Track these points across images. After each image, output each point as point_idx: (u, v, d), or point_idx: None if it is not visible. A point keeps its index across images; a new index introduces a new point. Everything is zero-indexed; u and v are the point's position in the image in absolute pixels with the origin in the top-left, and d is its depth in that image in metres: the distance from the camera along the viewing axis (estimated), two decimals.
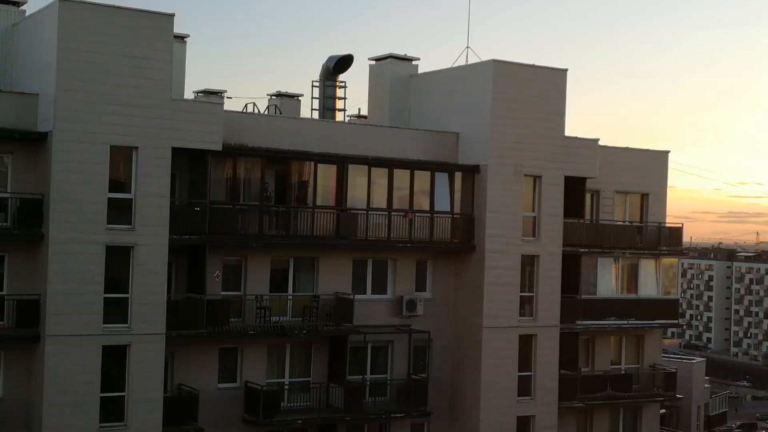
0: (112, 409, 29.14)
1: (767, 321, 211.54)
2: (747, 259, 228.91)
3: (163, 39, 29.88)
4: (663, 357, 46.53)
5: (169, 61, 30.04)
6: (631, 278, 41.56)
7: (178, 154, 30.11)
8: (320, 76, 39.41)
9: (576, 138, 37.95)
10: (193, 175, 31.25)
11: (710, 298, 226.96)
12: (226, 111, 32.53)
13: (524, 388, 36.72)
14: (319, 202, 33.91)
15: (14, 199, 28.70)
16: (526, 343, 36.67)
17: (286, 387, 33.87)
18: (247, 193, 32.81)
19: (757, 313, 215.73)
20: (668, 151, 43.14)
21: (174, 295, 30.85)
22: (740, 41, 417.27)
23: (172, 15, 30.05)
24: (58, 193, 28.14)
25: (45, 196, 28.36)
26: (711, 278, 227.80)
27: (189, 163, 31.05)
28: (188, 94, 36.37)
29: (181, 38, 35.23)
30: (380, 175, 35.04)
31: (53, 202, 28.12)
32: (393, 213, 35.08)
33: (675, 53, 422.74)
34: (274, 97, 41.21)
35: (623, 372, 41.72)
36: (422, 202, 35.95)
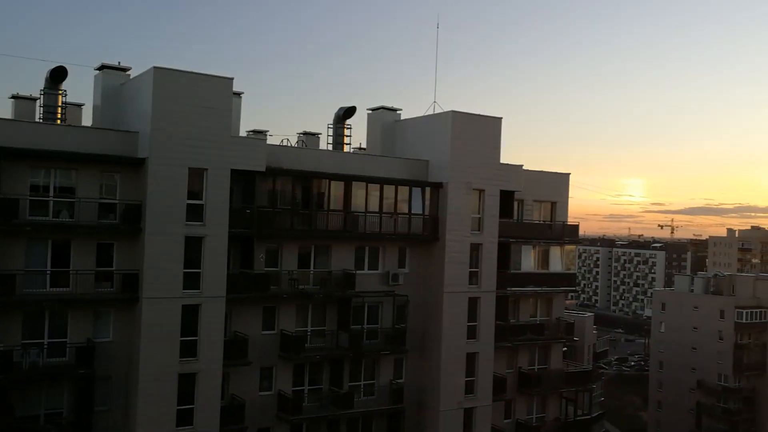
0: (189, 349, 28.43)
1: (635, 288, 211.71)
2: (622, 246, 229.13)
3: (225, 94, 29.22)
4: (565, 312, 46.10)
5: (229, 110, 29.37)
6: (544, 259, 41.14)
7: (235, 173, 29.46)
8: (333, 121, 38.79)
9: (508, 164, 37.49)
10: (245, 188, 30.55)
11: (597, 273, 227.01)
12: (268, 144, 31.90)
13: (471, 333, 36.12)
14: (332, 207, 33.25)
15: (121, 204, 27.97)
16: (473, 303, 36.09)
17: (309, 333, 33.15)
18: (282, 200, 32.08)
19: (628, 283, 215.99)
20: (569, 174, 42.99)
21: (231, 269, 30.06)
22: (620, 98, 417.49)
23: (232, 78, 29.37)
24: (152, 200, 27.46)
25: (142, 202, 27.65)
26: (597, 259, 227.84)
27: (243, 180, 30.32)
28: (242, 132, 35.59)
29: (238, 95, 34.44)
30: (374, 189, 34.43)
31: (148, 206, 27.43)
32: (383, 215, 34.47)
33: (584, 102, 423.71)
34: (302, 135, 40.60)
35: (538, 322, 41.23)
36: (403, 207, 35.29)
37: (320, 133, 40.73)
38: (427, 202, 35.58)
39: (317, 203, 33.13)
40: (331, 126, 38.80)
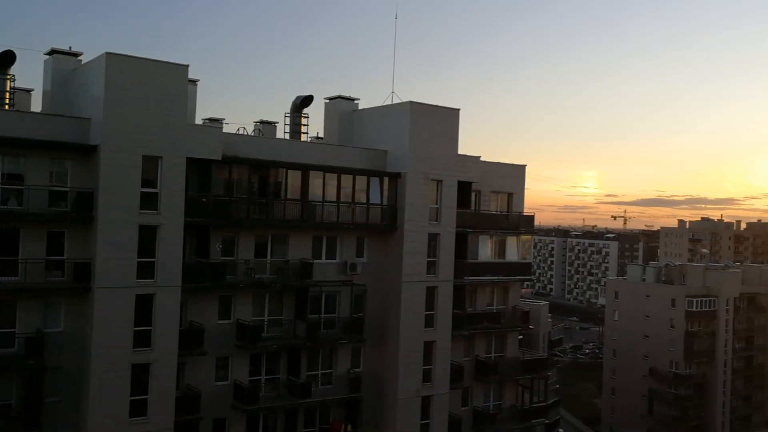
0: (143, 339, 27.99)
1: (589, 277, 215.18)
2: (576, 236, 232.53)
3: (180, 81, 28.74)
4: (521, 301, 46.57)
5: (184, 97, 28.90)
6: (501, 249, 41.42)
7: (191, 162, 29.06)
8: (290, 110, 38.50)
9: (466, 155, 37.66)
10: (201, 176, 30.14)
11: (552, 262, 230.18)
12: (224, 132, 31.53)
13: (429, 322, 36.28)
14: (289, 196, 33.01)
15: (72, 191, 27.34)
16: (430, 292, 36.24)
17: (266, 322, 32.91)
18: (239, 189, 31.75)
19: (582, 272, 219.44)
20: (525, 165, 43.29)
21: (187, 259, 29.66)
22: (576, 92, 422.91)
23: (187, 66, 28.90)
24: (104, 188, 26.91)
25: (95, 190, 27.07)
26: (553, 249, 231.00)
27: (198, 168, 29.91)
28: (198, 120, 35.08)
29: (193, 82, 33.93)
30: (332, 179, 34.29)
31: (101, 194, 26.88)
32: (341, 204, 34.35)
33: (541, 95, 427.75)
34: (258, 123, 40.17)
35: (495, 311, 41.59)
36: (361, 197, 35.22)
37: (277, 122, 40.45)
38: (385, 192, 35.56)
39: (274, 192, 32.85)
40: (288, 115, 38.51)
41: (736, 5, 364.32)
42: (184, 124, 28.87)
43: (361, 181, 35.19)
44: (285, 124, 38.45)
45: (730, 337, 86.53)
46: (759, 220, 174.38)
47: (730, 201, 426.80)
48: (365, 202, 35.18)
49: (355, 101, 39.38)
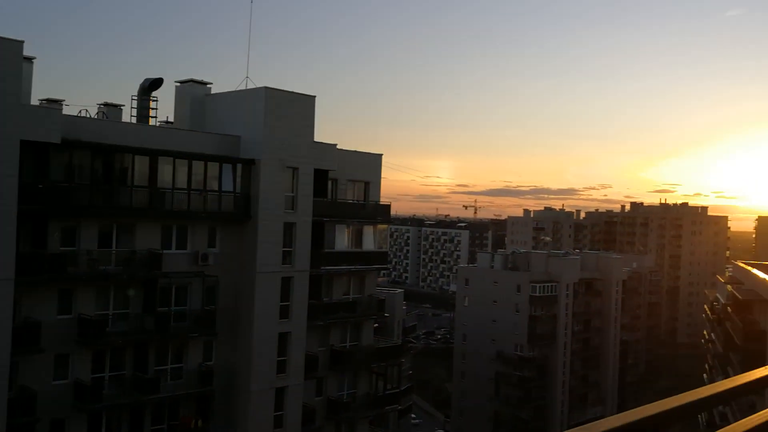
0: None
1: (442, 265, 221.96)
2: (430, 225, 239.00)
3: (13, 58, 26.53)
4: (377, 289, 47.14)
5: (18, 75, 26.72)
6: (358, 238, 41.61)
7: (26, 145, 26.94)
8: (138, 92, 36.64)
9: (322, 143, 37.50)
10: (38, 161, 28.03)
11: (408, 251, 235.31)
12: (64, 114, 29.47)
13: (284, 313, 35.89)
14: (136, 183, 31.40)
15: None
16: (286, 283, 35.85)
17: (110, 317, 31.19)
18: (80, 175, 29.82)
19: (435, 260, 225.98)
20: (381, 154, 43.74)
21: (21, 249, 27.48)
22: (430, 81, 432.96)
23: (21, 41, 26.69)
24: None
25: None
26: (408, 238, 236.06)
27: (35, 153, 27.77)
28: (35, 101, 32.56)
29: (29, 59, 31.40)
30: (182, 165, 32.98)
31: None
32: (192, 192, 33.14)
33: (397, 84, 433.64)
34: (102, 106, 37.91)
35: (351, 300, 41.79)
36: (213, 184, 34.16)
37: (123, 105, 38.37)
38: (239, 180, 34.69)
39: (120, 179, 31.13)
40: (136, 98, 36.64)
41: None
42: (18, 105, 26.72)
43: (214, 167, 34.10)
44: (132, 108, 36.57)
45: (569, 320, 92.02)
46: (596, 210, 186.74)
47: (571, 191, 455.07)
48: (217, 189, 34.16)
49: (208, 85, 38.17)
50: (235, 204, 34.51)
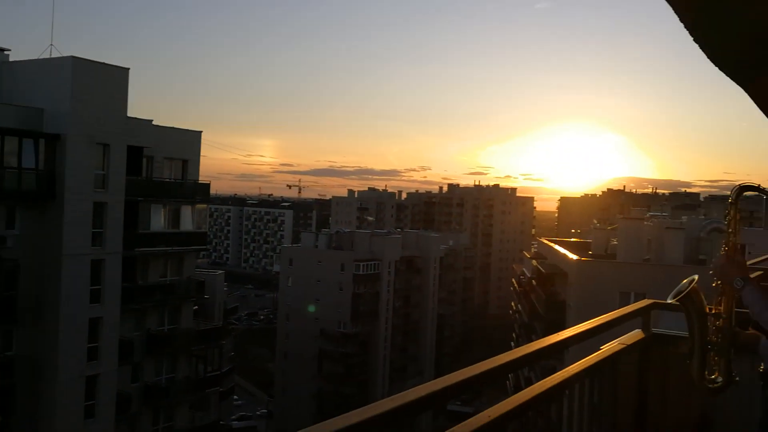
0: None
1: (265, 245, 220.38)
2: (252, 205, 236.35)
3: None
4: (197, 271, 45.88)
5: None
6: (175, 218, 40.33)
7: None
8: None
9: (136, 118, 35.87)
10: None
11: (229, 231, 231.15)
12: None
13: (95, 297, 34.07)
14: None
15: None
16: (96, 265, 34.03)
17: None
18: None
19: (258, 240, 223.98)
20: (201, 131, 42.68)
21: None
22: (254, 58, 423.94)
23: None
24: None
25: None
26: (229, 218, 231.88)
27: None
28: None
29: None
30: None
31: None
32: None
33: (218, 60, 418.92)
34: None
35: (168, 282, 40.48)
36: (12, 161, 31.49)
37: None
38: (42, 156, 32.21)
39: None
40: None
41: None
42: None
43: (12, 142, 31.43)
44: None
45: (391, 296, 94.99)
46: (417, 191, 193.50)
47: (393, 172, 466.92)
48: (17, 166, 31.50)
49: (6, 52, 35.02)
50: (37, 182, 32.05)
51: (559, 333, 3.55)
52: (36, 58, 33.83)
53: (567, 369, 3.51)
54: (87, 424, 33.80)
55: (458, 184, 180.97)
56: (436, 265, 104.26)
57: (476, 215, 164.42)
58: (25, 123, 32.04)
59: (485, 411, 2.80)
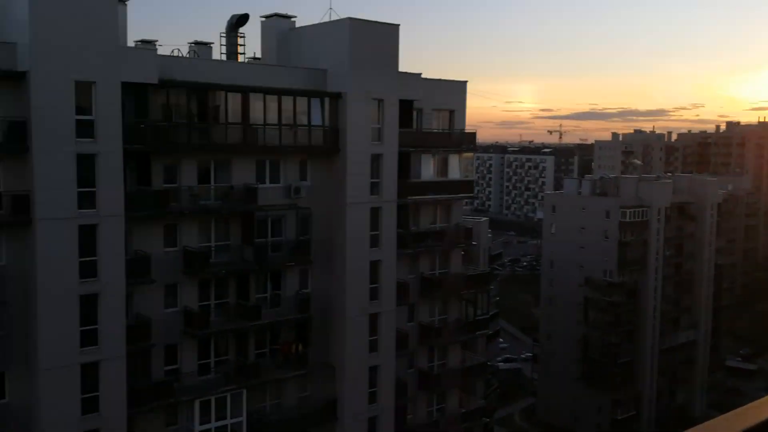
0: (89, 269, 27.83)
1: (526, 192, 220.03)
2: (513, 152, 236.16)
3: (108, 1, 27.65)
4: (464, 218, 47.59)
5: (114, 18, 27.91)
6: (443, 167, 41.87)
7: (126, 86, 28.31)
8: (225, 30, 37.48)
9: (406, 72, 37.62)
10: (138, 102, 29.49)
11: (490, 179, 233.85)
12: (159, 54, 30.67)
13: (374, 242, 36.89)
14: (230, 120, 32.62)
15: (3, 121, 26.37)
16: (374, 213, 36.71)
17: (213, 248, 33.00)
18: (177, 114, 31.21)
19: (519, 187, 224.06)
20: (466, 81, 43.36)
21: (129, 187, 29.27)
22: (511, 4, 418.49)
23: None
24: (37, 116, 26.13)
25: (27, 119, 26.24)
26: (491, 166, 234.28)
27: (135, 94, 29.20)
28: (130, 43, 33.93)
29: (123, 1, 32.63)
30: (272, 101, 33.91)
31: (34, 123, 26.09)
32: (283, 127, 34.12)
33: (483, 11, 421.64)
34: (193, 45, 39.05)
35: (438, 229, 42.41)
36: (302, 119, 35.02)
37: (212, 43, 39.43)
38: (327, 113, 35.40)
39: (214, 116, 32.39)
40: (224, 35, 37.57)
41: None
42: (117, 47, 28.00)
43: (302, 102, 34.90)
44: (221, 45, 37.54)
45: (661, 245, 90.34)
46: (689, 131, 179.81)
47: (661, 112, 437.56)
48: (307, 124, 35.01)
49: (292, 19, 38.61)
50: (324, 137, 35.36)
51: None
52: (317, 23, 36.92)
53: None
54: (371, 357, 37.24)
55: (738, 122, 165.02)
56: (713, 212, 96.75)
57: (761, 156, 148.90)
58: (312, 84, 35.34)
59: None
